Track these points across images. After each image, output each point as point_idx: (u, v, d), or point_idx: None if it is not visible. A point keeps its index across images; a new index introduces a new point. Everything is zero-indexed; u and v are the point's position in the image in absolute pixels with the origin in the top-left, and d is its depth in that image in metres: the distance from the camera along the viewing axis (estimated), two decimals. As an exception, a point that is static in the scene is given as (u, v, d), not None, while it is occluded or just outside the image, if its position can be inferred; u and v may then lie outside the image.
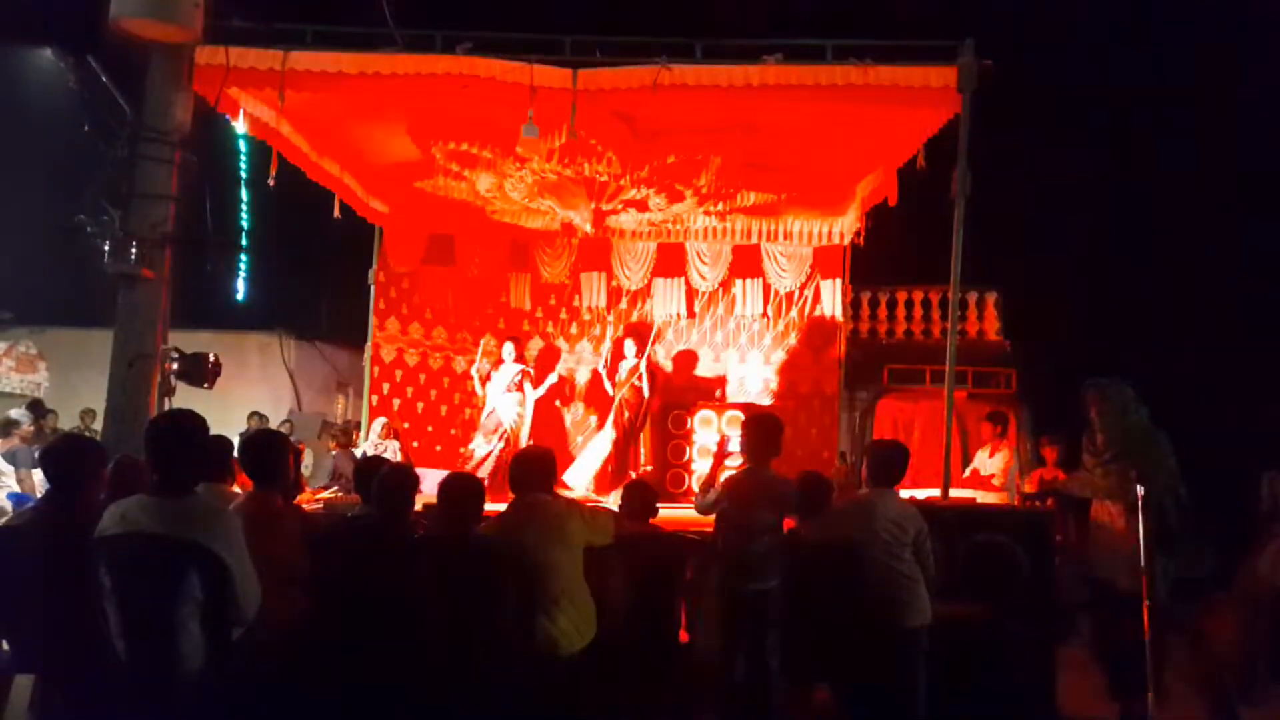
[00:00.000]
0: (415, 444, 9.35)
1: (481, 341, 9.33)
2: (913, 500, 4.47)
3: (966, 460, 8.12)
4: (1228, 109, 12.70)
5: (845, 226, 9.00)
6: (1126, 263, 14.01)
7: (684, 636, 4.32)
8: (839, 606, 3.88)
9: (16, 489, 7.71)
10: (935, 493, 5.94)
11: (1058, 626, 4.63)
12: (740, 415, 7.95)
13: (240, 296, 14.66)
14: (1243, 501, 4.49)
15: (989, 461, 7.37)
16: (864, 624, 3.85)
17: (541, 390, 8.87)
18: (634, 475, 8.05)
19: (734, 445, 7.88)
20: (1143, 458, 4.68)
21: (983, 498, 7.02)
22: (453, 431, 9.59)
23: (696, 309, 9.70)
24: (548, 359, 9.73)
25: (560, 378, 9.38)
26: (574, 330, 9.87)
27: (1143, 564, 4.43)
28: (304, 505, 5.26)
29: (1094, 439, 4.92)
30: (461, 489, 3.77)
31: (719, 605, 4.22)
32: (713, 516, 4.42)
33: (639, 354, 8.78)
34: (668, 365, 9.54)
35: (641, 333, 9.11)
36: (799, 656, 4.06)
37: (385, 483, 3.63)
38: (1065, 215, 14.25)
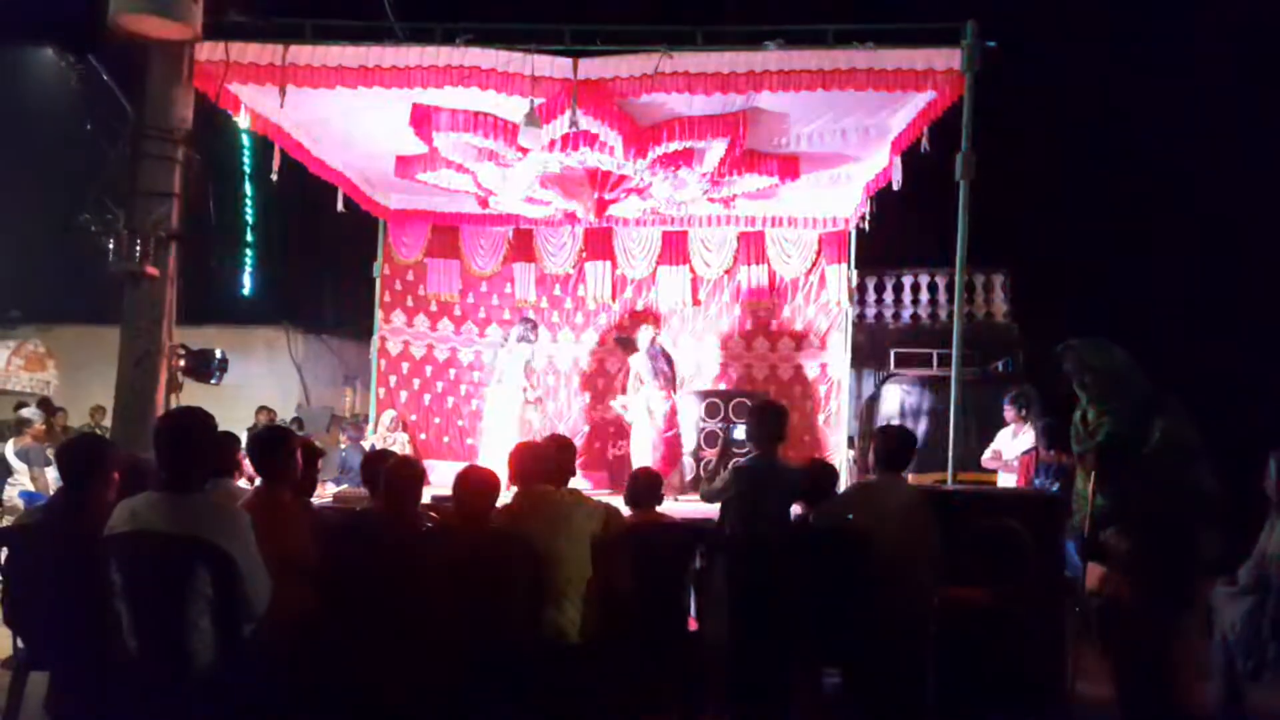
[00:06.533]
0: (423, 436, 9.39)
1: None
2: (921, 484, 4.46)
3: (980, 444, 8.03)
4: (1239, 81, 12.56)
5: (850, 210, 8.96)
6: (1137, 242, 13.90)
7: (693, 624, 4.33)
8: (847, 592, 3.88)
9: (30, 487, 7.78)
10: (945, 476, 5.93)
11: (1068, 609, 4.58)
12: (746, 403, 7.94)
13: (246, 291, 14.72)
14: (1250, 483, 4.42)
15: (1012, 443, 7.29)
16: (871, 609, 3.85)
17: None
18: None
19: (740, 433, 7.91)
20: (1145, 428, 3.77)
21: (1005, 480, 7.01)
22: (460, 423, 9.62)
23: (701, 297, 9.67)
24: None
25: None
26: (579, 320, 9.86)
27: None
28: (314, 500, 5.28)
29: (1082, 417, 4.07)
30: (476, 483, 3.77)
31: (727, 593, 4.22)
32: (719, 505, 4.43)
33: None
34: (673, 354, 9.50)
35: (629, 343, 8.81)
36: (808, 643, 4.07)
37: (391, 476, 3.64)
38: (1074, 196, 14.15)
